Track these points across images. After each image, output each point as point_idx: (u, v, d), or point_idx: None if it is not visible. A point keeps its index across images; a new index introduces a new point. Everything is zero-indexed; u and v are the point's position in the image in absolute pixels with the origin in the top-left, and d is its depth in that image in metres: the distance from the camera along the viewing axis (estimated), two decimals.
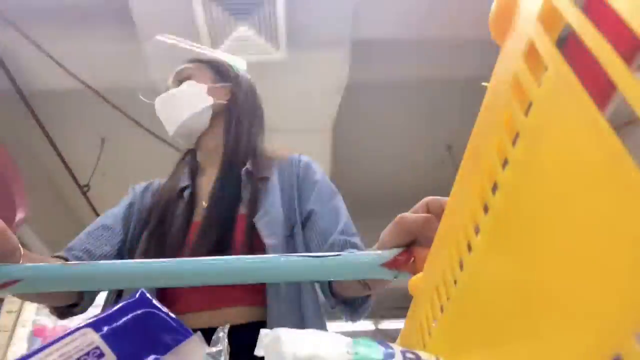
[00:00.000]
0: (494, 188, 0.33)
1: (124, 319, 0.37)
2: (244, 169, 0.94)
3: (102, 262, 0.59)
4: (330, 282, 0.83)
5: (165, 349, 0.37)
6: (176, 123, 0.99)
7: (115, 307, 0.38)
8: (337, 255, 0.57)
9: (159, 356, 0.36)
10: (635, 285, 0.19)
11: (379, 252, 0.58)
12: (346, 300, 0.83)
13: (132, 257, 0.89)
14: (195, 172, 1.03)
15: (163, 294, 0.81)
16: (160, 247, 0.85)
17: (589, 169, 0.22)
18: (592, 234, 0.22)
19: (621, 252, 0.20)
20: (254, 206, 0.87)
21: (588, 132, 0.22)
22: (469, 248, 0.36)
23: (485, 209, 0.34)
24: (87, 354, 0.34)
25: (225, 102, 1.02)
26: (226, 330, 0.37)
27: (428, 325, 0.43)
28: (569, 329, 0.23)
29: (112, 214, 0.97)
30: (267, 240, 0.82)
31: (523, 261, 0.29)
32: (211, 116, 1.00)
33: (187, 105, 0.99)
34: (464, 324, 0.37)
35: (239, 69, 1.10)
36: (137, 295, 0.39)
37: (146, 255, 0.85)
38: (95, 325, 0.36)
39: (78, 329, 0.35)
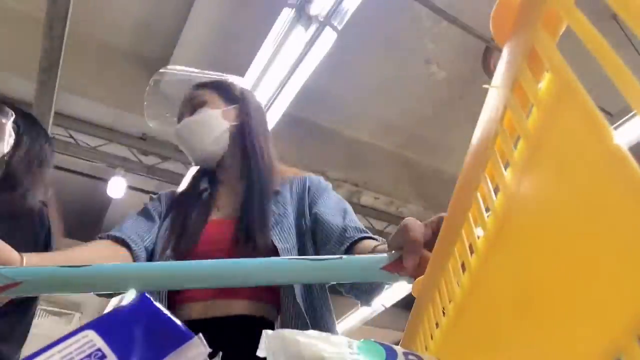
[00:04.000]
0: (496, 190, 0.33)
1: (126, 321, 0.37)
2: (261, 182, 1.02)
3: (103, 264, 0.59)
4: None
5: (167, 351, 0.37)
6: (199, 150, 1.06)
7: (117, 309, 0.38)
8: (339, 258, 0.57)
9: (160, 359, 0.36)
10: (637, 287, 0.19)
11: (380, 254, 0.58)
12: (358, 283, 0.87)
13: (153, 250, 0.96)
14: (213, 181, 1.10)
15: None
16: (178, 238, 0.93)
17: (590, 170, 0.22)
18: (594, 236, 0.22)
19: (623, 254, 0.20)
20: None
21: (589, 134, 0.22)
22: (471, 250, 0.36)
23: (487, 211, 0.34)
24: (89, 355, 0.34)
25: (238, 123, 1.09)
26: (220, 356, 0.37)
27: (430, 328, 0.43)
28: (572, 330, 0.23)
29: (143, 215, 1.05)
30: (279, 245, 0.89)
31: (525, 263, 0.29)
32: (228, 137, 1.08)
33: (207, 131, 1.05)
34: (466, 326, 0.37)
35: (242, 87, 1.16)
36: (139, 298, 0.39)
37: (166, 245, 0.93)
38: (97, 327, 0.36)
39: (80, 330, 0.35)
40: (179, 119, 1.10)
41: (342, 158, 3.69)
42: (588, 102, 0.22)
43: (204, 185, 1.07)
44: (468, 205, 0.37)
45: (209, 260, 0.60)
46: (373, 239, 0.85)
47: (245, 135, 1.07)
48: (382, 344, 0.33)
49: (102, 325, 0.36)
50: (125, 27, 2.99)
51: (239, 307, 0.87)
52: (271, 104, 2.64)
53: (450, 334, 0.39)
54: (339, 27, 2.29)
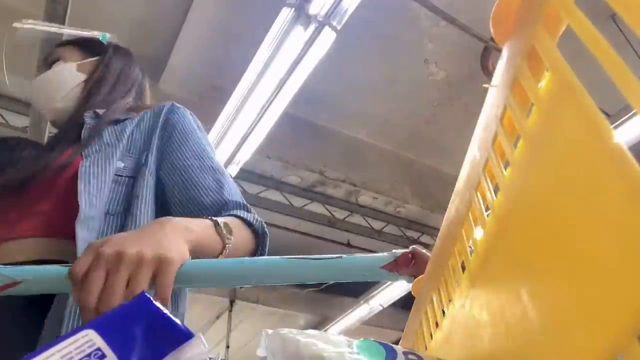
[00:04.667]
0: (496, 189, 0.33)
1: (126, 320, 0.37)
2: (89, 112, 0.90)
3: None
4: None
5: (166, 351, 0.37)
6: (50, 105, 0.96)
7: (117, 309, 0.38)
8: (339, 257, 0.57)
9: (160, 358, 0.36)
10: (637, 286, 0.19)
11: (380, 254, 0.58)
12: None
13: None
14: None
15: None
16: None
17: (590, 169, 0.22)
18: (593, 235, 0.22)
19: (622, 253, 0.20)
20: (85, 145, 0.82)
21: (589, 133, 0.22)
22: (471, 250, 0.36)
23: (487, 211, 0.34)
24: (89, 355, 0.34)
25: (94, 76, 0.98)
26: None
27: (430, 327, 0.43)
28: (571, 330, 0.23)
29: None
30: (82, 197, 0.72)
31: (524, 263, 0.29)
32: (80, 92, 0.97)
33: (58, 85, 0.96)
34: (466, 326, 0.37)
35: (110, 40, 1.07)
36: (138, 297, 0.39)
37: None
38: (97, 326, 0.36)
39: (80, 330, 0.35)
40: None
41: (340, 158, 3.69)
42: (588, 101, 0.22)
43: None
44: (468, 204, 0.37)
45: (205, 260, 0.60)
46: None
47: (99, 90, 0.95)
48: (381, 343, 0.33)
49: (102, 324, 0.36)
50: (123, 26, 2.99)
51: (26, 249, 0.71)
52: (270, 103, 2.65)
53: (450, 334, 0.39)
54: (338, 27, 2.29)
